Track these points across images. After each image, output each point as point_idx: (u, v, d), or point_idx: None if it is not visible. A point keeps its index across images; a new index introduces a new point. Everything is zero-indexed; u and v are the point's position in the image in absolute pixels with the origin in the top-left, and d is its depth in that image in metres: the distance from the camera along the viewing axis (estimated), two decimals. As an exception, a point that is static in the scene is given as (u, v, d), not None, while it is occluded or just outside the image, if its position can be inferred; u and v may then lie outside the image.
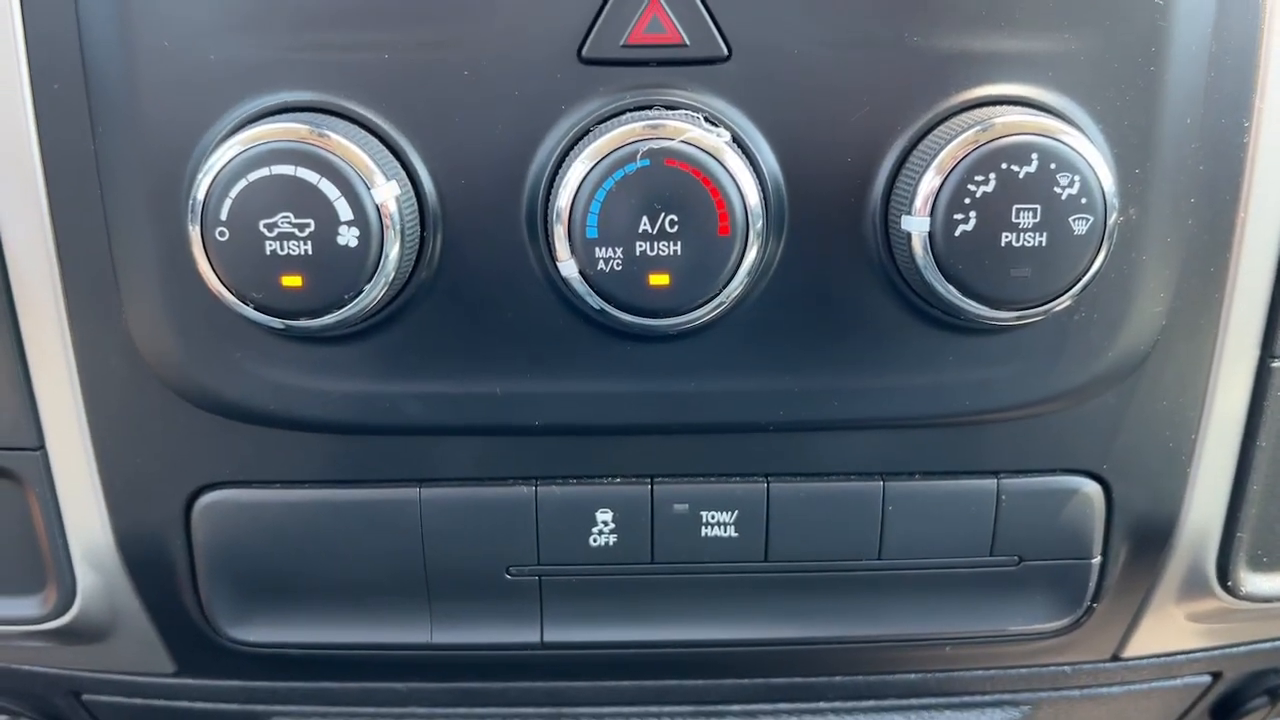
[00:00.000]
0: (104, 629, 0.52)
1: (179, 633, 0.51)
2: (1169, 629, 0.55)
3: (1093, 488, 0.48)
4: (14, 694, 0.61)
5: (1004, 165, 0.40)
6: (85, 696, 0.58)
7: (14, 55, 0.43)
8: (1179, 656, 0.57)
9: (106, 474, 0.48)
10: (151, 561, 0.49)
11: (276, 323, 0.41)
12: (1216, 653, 0.58)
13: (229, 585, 0.49)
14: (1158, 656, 0.56)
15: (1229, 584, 0.51)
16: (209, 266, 0.40)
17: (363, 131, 0.41)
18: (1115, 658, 0.55)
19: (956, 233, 0.40)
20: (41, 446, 0.47)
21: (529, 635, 0.49)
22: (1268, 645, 0.59)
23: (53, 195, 0.43)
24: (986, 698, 0.57)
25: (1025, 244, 0.40)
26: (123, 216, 0.43)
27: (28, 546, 0.50)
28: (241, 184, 0.39)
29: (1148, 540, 0.50)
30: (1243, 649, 0.58)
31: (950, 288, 0.40)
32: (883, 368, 0.44)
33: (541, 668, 0.52)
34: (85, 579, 0.50)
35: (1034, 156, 0.39)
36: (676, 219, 0.39)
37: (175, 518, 0.48)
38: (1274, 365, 0.47)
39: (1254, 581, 0.52)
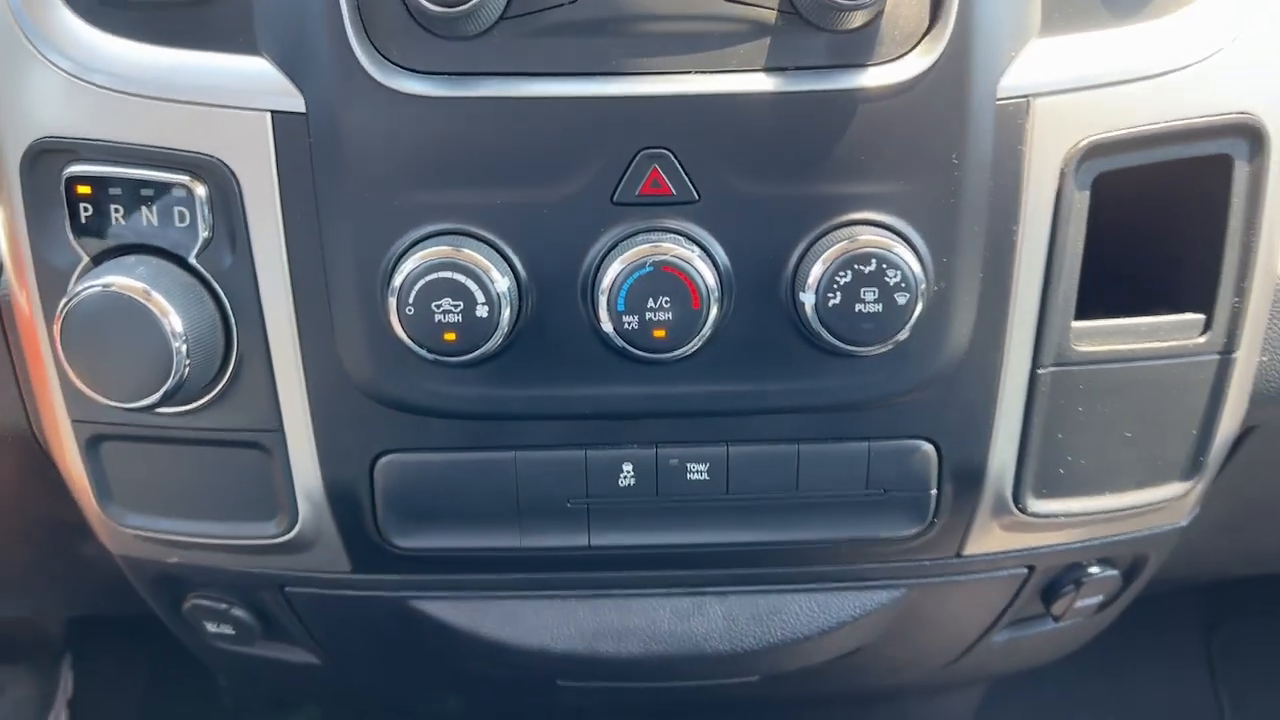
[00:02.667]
0: (309, 543, 0.80)
1: (359, 544, 0.80)
2: (990, 536, 0.83)
3: (929, 447, 0.76)
4: (225, 588, 0.90)
5: (856, 265, 0.67)
6: (288, 589, 0.87)
7: (272, 202, 0.70)
8: (1000, 555, 0.85)
9: (320, 446, 0.76)
10: (347, 499, 0.77)
11: (438, 359, 0.69)
12: (1026, 552, 0.86)
13: (395, 512, 0.77)
14: (986, 555, 0.84)
15: (1021, 506, 0.80)
16: (401, 329, 0.67)
17: (486, 246, 0.69)
18: (958, 555, 0.84)
19: (830, 304, 0.67)
20: (280, 429, 0.76)
21: (580, 541, 0.78)
22: (1063, 548, 0.87)
23: (295, 277, 0.70)
24: (877, 583, 0.86)
25: (869, 310, 0.68)
26: (339, 293, 0.70)
27: (268, 491, 0.78)
28: (420, 283, 0.67)
29: (966, 479, 0.78)
30: (1044, 550, 0.86)
31: (827, 336, 0.68)
32: (796, 378, 0.72)
33: (588, 562, 0.81)
34: (303, 511, 0.78)
35: (873, 260, 0.67)
36: (668, 299, 0.67)
37: (364, 472, 0.76)
38: (1039, 373, 0.76)
39: (1036, 505, 0.79)
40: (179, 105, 0.68)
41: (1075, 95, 0.69)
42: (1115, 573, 0.92)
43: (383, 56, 0.66)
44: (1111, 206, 0.74)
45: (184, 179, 0.69)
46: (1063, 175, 0.70)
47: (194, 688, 1.73)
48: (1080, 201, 0.71)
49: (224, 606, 0.90)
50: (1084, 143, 0.69)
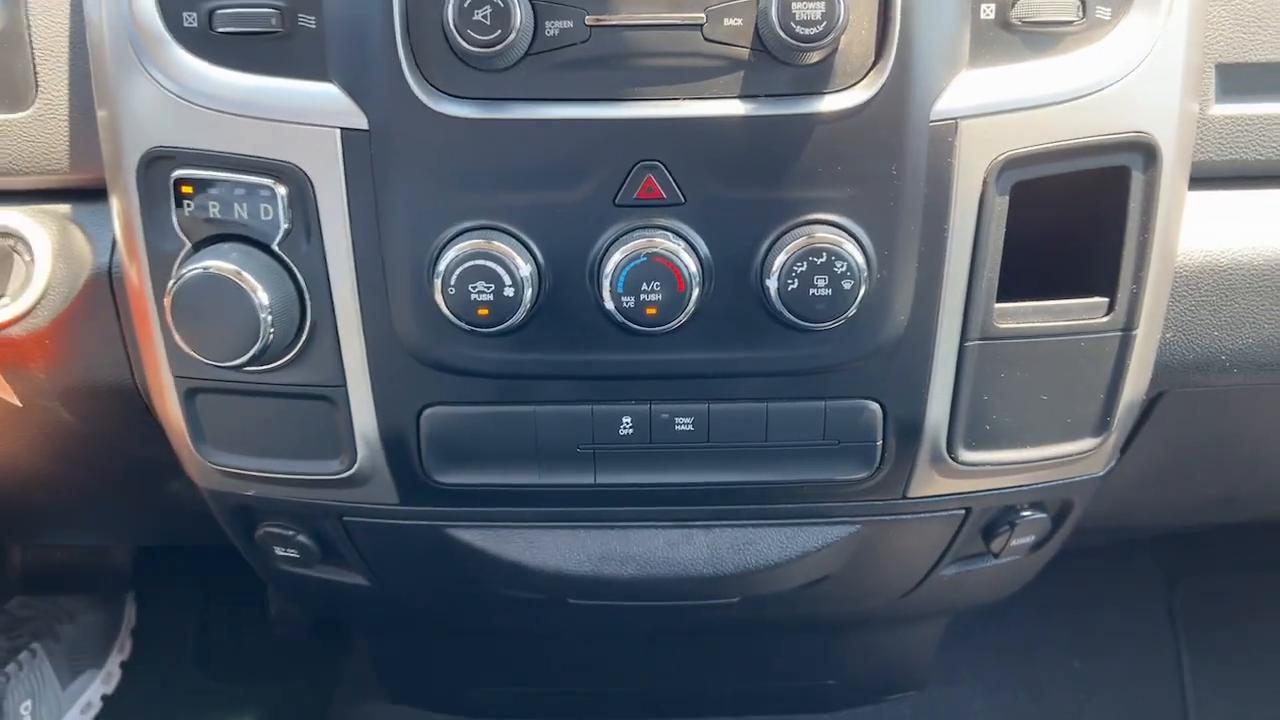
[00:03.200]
0: (365, 479, 0.97)
1: (406, 480, 0.96)
2: (931, 481, 0.98)
3: (875, 406, 0.92)
4: (293, 517, 1.07)
5: (811, 258, 0.82)
6: (345, 518, 1.04)
7: (340, 201, 0.86)
8: (940, 498, 1.00)
9: (376, 399, 0.92)
10: (397, 443, 0.93)
11: (473, 330, 0.85)
12: (962, 496, 1.02)
13: (436, 454, 0.94)
14: (928, 497, 1.00)
15: (954, 456, 0.95)
16: (444, 305, 0.83)
17: (512, 238, 0.84)
18: (904, 497, 1.00)
19: (789, 288, 0.83)
20: (344, 385, 0.92)
21: (588, 479, 0.94)
22: (995, 493, 1.03)
23: (357, 262, 0.86)
24: (836, 519, 1.02)
25: (820, 294, 0.83)
26: (393, 275, 0.86)
27: (332, 436, 0.95)
28: (459, 269, 0.83)
29: (906, 432, 0.93)
30: (978, 494, 1.02)
31: (788, 314, 0.84)
32: (764, 348, 0.87)
33: (594, 498, 0.97)
34: (361, 452, 0.95)
35: (824, 253, 0.82)
36: (659, 283, 0.83)
37: (411, 421, 0.93)
38: (966, 345, 0.91)
39: (966, 455, 0.95)
40: (265, 122, 0.84)
41: (996, 118, 0.83)
42: (1044, 516, 1.07)
43: (430, 85, 0.81)
44: (1034, 207, 0.89)
45: (268, 181, 0.85)
46: (985, 183, 0.85)
47: (244, 621, 1.92)
48: (1000, 205, 0.86)
49: (290, 533, 1.07)
50: (1002, 157, 0.84)
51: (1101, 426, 0.96)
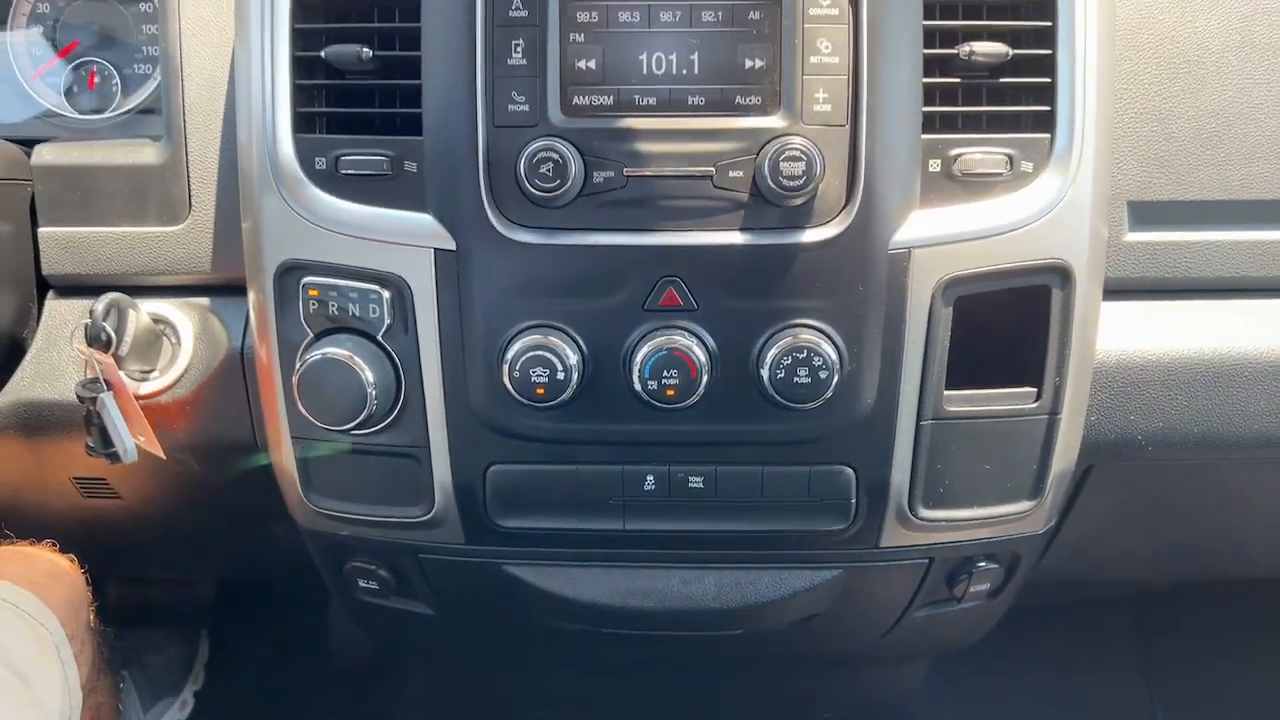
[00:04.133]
0: (440, 522, 1.19)
1: (473, 523, 1.18)
2: (897, 533, 1.19)
3: (849, 471, 1.13)
4: (377, 554, 1.30)
5: (795, 354, 1.05)
6: (421, 555, 1.26)
7: (432, 303, 1.11)
8: (906, 548, 1.21)
9: (453, 458, 1.14)
10: (468, 492, 1.16)
11: (531, 405, 1.08)
12: (925, 547, 1.23)
13: (499, 502, 1.15)
14: (896, 547, 1.21)
15: (914, 513, 1.17)
16: (509, 386, 1.07)
17: (563, 334, 1.08)
18: (876, 546, 1.21)
19: (778, 377, 1.06)
20: (428, 445, 1.15)
21: (618, 526, 1.16)
22: (952, 545, 1.24)
23: (443, 350, 1.09)
24: (821, 565, 1.24)
25: (803, 382, 1.06)
26: (470, 360, 1.10)
27: (416, 486, 1.16)
28: (523, 357, 1.07)
29: (875, 493, 1.14)
30: (939, 545, 1.23)
31: (778, 397, 1.06)
32: (759, 423, 1.09)
33: (623, 541, 1.18)
34: (438, 500, 1.16)
35: (805, 350, 1.06)
36: (676, 371, 1.06)
37: (480, 475, 1.14)
38: (922, 424, 1.14)
39: (924, 512, 1.14)
40: (376, 243, 1.09)
41: (941, 247, 1.07)
42: (998, 566, 1.29)
43: (505, 217, 1.06)
44: (978, 313, 1.12)
45: (377, 287, 1.10)
46: (933, 298, 1.08)
47: (310, 658, 2.15)
48: (946, 314, 1.09)
49: (373, 567, 1.29)
50: (946, 278, 1.08)
51: (1036, 491, 1.18)
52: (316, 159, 1.10)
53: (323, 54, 1.09)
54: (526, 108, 1.05)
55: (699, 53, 1.06)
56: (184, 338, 1.23)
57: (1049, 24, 1.08)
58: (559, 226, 1.06)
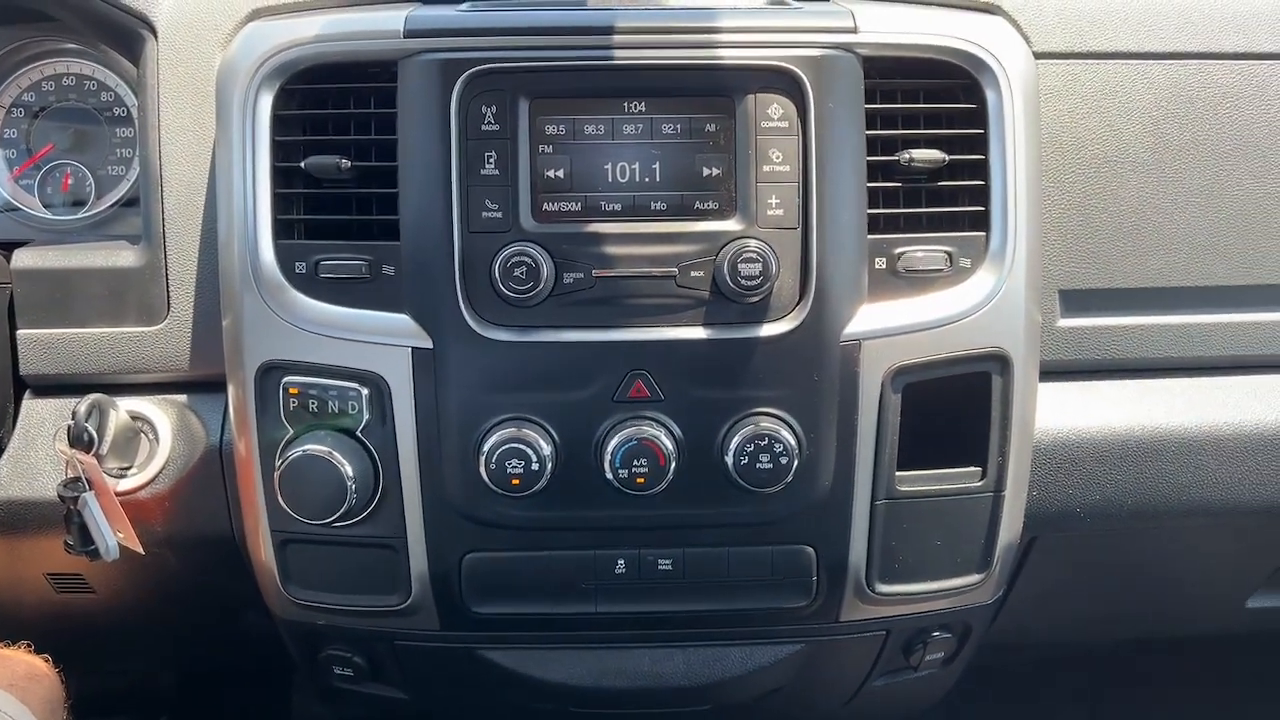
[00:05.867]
0: (416, 610, 1.22)
1: (449, 610, 1.20)
2: (856, 608, 1.23)
3: (810, 550, 1.18)
4: (352, 641, 1.33)
5: (757, 441, 1.11)
6: (396, 642, 1.30)
7: (409, 400, 1.16)
8: (865, 621, 1.26)
9: (430, 547, 1.18)
10: (444, 580, 1.19)
11: (506, 495, 1.13)
12: (882, 620, 1.29)
13: (474, 589, 1.19)
14: (855, 621, 1.26)
15: (871, 588, 1.23)
16: (486, 477, 1.12)
17: (537, 427, 1.14)
18: (837, 620, 1.27)
19: (742, 463, 1.12)
20: (405, 536, 1.18)
21: (590, 609, 1.20)
22: (907, 617, 1.30)
23: (420, 444, 1.13)
24: (784, 640, 1.29)
25: (765, 468, 1.12)
26: (446, 453, 1.15)
27: (393, 576, 1.19)
28: (499, 450, 1.12)
29: (834, 570, 1.19)
30: (895, 618, 1.29)
31: (742, 482, 1.12)
32: (724, 506, 1.14)
33: (595, 623, 1.22)
34: (415, 589, 1.19)
35: (767, 438, 1.11)
36: (646, 460, 1.12)
37: (456, 565, 1.18)
38: (876, 504, 1.20)
39: (881, 587, 1.20)
40: (355, 342, 1.14)
41: (888, 339, 1.14)
42: (950, 635, 1.35)
43: (480, 317, 1.12)
44: (926, 398, 1.19)
45: (355, 385, 1.14)
46: (883, 385, 1.15)
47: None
48: (895, 400, 1.16)
49: (348, 655, 1.32)
50: (894, 367, 1.15)
51: (984, 564, 1.25)
52: (296, 264, 1.15)
53: (302, 165, 1.15)
54: (499, 214, 1.12)
55: (660, 162, 1.13)
56: (162, 434, 1.26)
57: (980, 131, 1.17)
58: (532, 325, 1.12)
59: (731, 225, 1.12)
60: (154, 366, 1.27)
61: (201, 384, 1.28)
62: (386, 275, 1.14)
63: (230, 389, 1.20)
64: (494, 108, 1.12)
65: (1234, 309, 1.30)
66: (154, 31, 1.25)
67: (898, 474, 1.19)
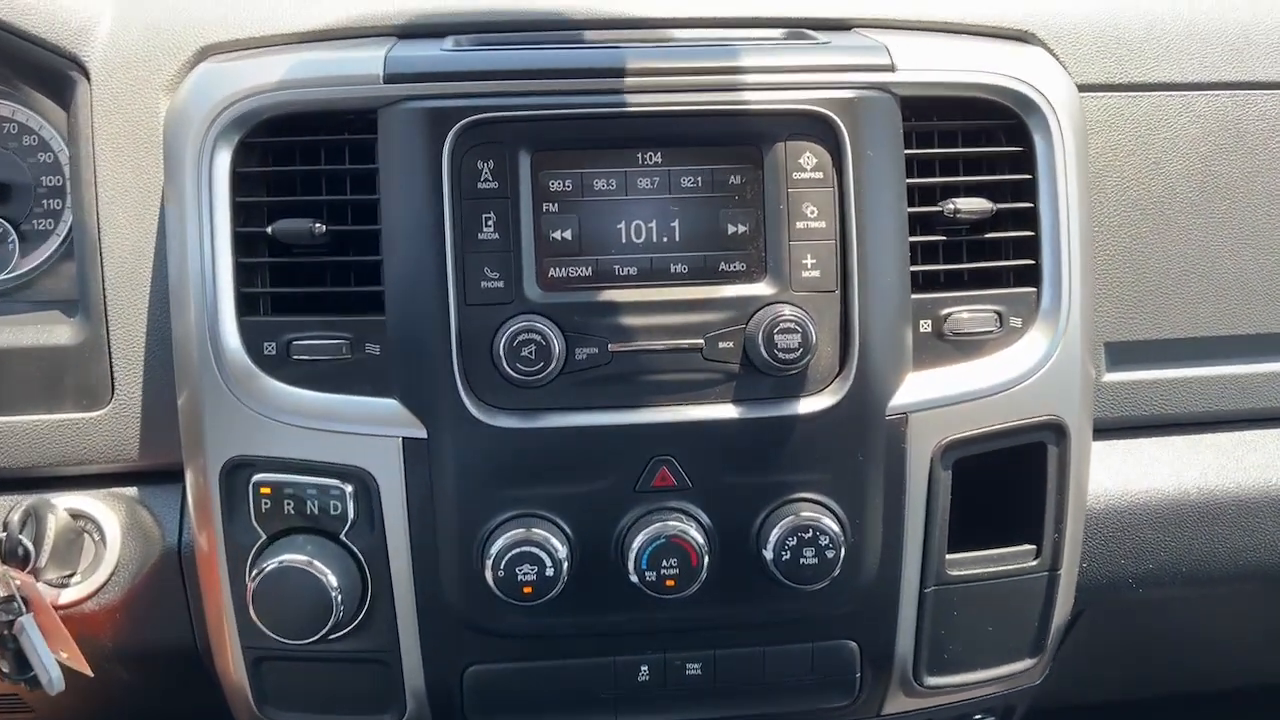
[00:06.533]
0: None
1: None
2: (899, 701, 1.13)
3: (854, 645, 1.08)
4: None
5: (799, 533, 1.00)
6: None
7: (400, 497, 1.01)
8: (908, 713, 1.17)
9: (427, 661, 1.04)
10: (443, 697, 1.05)
11: (517, 604, 0.99)
12: (927, 710, 1.18)
13: (477, 704, 1.05)
14: (899, 713, 1.17)
15: (919, 682, 1.12)
16: (494, 585, 0.98)
17: (550, 524, 1.00)
18: (878, 714, 1.16)
19: (783, 559, 1.00)
20: (398, 649, 1.04)
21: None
22: (953, 706, 1.19)
23: (414, 547, 1.00)
24: None
25: (809, 563, 1.00)
26: (445, 557, 1.00)
27: (385, 692, 1.05)
28: (508, 555, 0.98)
29: (879, 666, 1.09)
30: (940, 707, 1.18)
31: (784, 580, 1.00)
32: (760, 604, 1.02)
33: None
34: (410, 706, 1.04)
35: (810, 529, 1.00)
36: (676, 560, 0.99)
37: (456, 679, 1.04)
38: (925, 591, 1.09)
39: (929, 680, 1.09)
40: (336, 433, 1.00)
41: (937, 410, 1.03)
42: (993, 718, 1.25)
43: (481, 401, 0.98)
44: (973, 472, 1.08)
45: (338, 482, 1.00)
46: (933, 461, 1.04)
47: None
48: (945, 479, 1.05)
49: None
50: (945, 441, 1.04)
51: (1037, 649, 1.14)
52: (265, 344, 1.00)
53: (269, 230, 1.00)
54: (501, 284, 0.98)
55: (679, 220, 1.00)
56: (110, 535, 1.10)
57: (1028, 177, 1.06)
58: (540, 408, 0.99)
59: (762, 289, 1.00)
60: (98, 457, 1.11)
61: (155, 474, 1.12)
62: (370, 355, 1.00)
63: (189, 484, 1.05)
64: (491, 162, 0.98)
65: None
66: (86, 74, 1.09)
67: (947, 557, 1.07)
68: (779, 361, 0.97)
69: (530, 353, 0.95)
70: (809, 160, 1.00)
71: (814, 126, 1.00)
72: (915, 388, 1.03)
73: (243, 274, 1.00)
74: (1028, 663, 1.14)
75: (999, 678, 1.14)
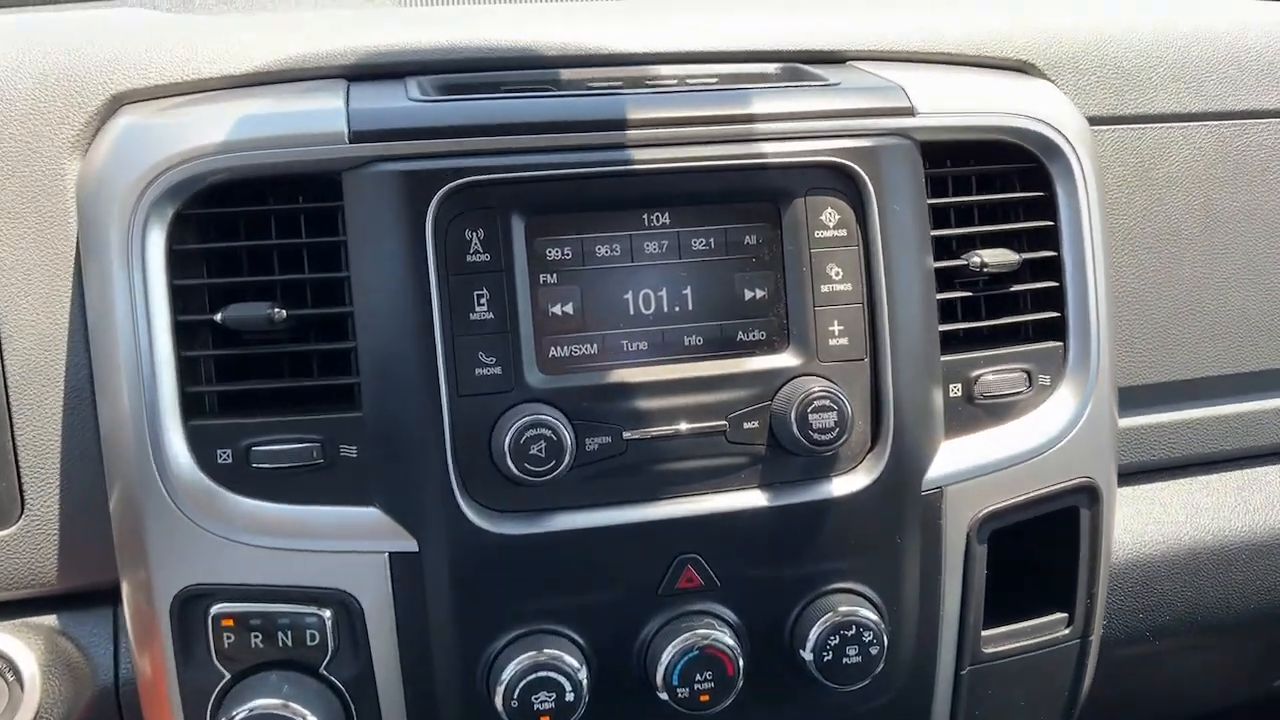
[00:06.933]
0: None
1: None
2: None
3: None
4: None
5: (841, 631, 0.91)
6: None
7: (389, 620, 0.88)
8: None
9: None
10: None
11: None
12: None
13: None
14: None
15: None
16: (505, 715, 0.86)
17: (565, 640, 0.88)
18: None
19: (824, 660, 0.90)
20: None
21: None
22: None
23: (406, 676, 0.87)
24: None
25: (853, 662, 0.91)
26: (444, 681, 0.87)
27: None
28: (522, 682, 0.85)
29: None
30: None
31: (827, 683, 0.90)
32: (799, 707, 0.94)
33: None
34: None
35: (854, 625, 0.90)
36: (711, 672, 0.89)
37: None
38: (961, 673, 1.01)
39: None
40: (309, 552, 0.85)
41: (972, 482, 0.95)
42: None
43: (479, 504, 0.85)
44: (999, 537, 1.00)
45: (313, 609, 0.86)
46: (969, 537, 0.96)
47: None
48: (981, 553, 0.97)
49: None
50: (982, 513, 0.96)
51: (1067, 716, 1.08)
52: (218, 452, 0.85)
53: (217, 318, 0.84)
54: (498, 370, 0.85)
55: (692, 286, 0.89)
56: (26, 675, 0.93)
57: (1050, 223, 0.99)
58: (546, 508, 0.87)
59: (787, 360, 0.90)
60: (7, 582, 0.93)
61: (77, 598, 0.96)
62: (346, 458, 0.86)
63: (129, 613, 0.89)
64: (481, 231, 0.85)
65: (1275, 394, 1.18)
66: None
67: (983, 634, 1.00)
68: (813, 442, 0.87)
69: (540, 450, 0.83)
70: (831, 216, 0.90)
71: (835, 179, 0.90)
72: (949, 458, 0.95)
73: (186, 370, 0.85)
74: None
75: (1030, 752, 1.08)
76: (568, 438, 0.84)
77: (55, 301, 0.92)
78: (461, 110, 0.86)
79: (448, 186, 0.83)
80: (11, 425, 0.92)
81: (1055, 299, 1.00)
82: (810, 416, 0.87)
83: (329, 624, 0.86)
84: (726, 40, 1.04)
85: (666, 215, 0.89)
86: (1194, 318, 1.14)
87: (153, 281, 0.84)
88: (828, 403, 0.87)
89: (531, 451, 0.83)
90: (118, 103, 0.93)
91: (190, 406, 0.85)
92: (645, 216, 0.88)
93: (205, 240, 0.86)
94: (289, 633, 0.86)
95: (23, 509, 0.93)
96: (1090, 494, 1.00)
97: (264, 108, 0.87)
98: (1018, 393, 0.98)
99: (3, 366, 0.92)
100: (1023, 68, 1.09)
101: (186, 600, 0.85)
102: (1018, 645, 1.02)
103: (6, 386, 0.92)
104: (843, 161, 0.89)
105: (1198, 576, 1.15)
